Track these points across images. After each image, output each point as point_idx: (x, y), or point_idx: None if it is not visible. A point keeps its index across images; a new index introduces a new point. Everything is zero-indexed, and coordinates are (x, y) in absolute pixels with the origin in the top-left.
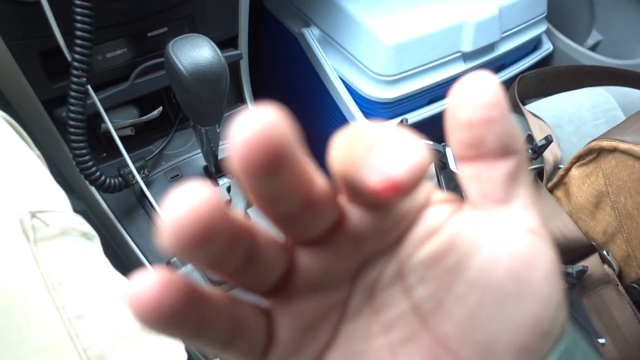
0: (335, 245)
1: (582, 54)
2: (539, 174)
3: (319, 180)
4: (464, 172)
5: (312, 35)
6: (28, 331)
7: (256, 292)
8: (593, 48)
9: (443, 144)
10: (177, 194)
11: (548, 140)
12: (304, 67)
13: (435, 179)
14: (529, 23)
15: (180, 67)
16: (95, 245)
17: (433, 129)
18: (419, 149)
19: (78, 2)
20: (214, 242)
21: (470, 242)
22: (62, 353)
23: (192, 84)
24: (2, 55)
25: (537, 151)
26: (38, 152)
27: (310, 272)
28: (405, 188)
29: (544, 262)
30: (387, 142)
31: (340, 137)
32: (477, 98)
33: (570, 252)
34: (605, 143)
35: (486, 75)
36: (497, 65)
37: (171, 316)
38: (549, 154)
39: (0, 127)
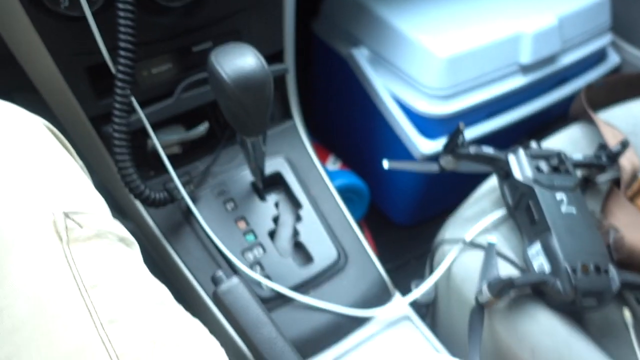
0: None
1: None
2: (616, 182)
3: None
4: None
5: (361, 55)
6: (58, 334)
7: None
8: None
9: (505, 151)
10: None
11: (624, 146)
12: (354, 87)
13: (499, 189)
14: (591, 34)
15: (223, 74)
16: (133, 252)
17: (492, 144)
18: None
19: (122, 14)
20: None
21: None
22: (93, 358)
23: (235, 91)
24: (50, 71)
25: (612, 158)
26: (81, 163)
27: None
28: None
29: None
30: None
31: None
32: None
33: None
34: None
35: None
36: (558, 79)
37: None
38: (626, 162)
39: (43, 135)
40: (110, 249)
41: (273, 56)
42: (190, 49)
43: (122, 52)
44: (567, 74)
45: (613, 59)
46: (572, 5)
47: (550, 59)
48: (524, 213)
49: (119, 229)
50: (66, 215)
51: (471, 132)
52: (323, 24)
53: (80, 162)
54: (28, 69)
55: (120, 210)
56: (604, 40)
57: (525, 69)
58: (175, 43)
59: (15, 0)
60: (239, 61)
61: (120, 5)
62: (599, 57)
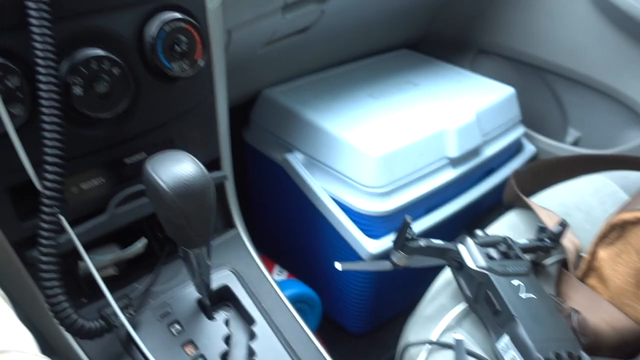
0: None
1: (566, 150)
2: (564, 264)
3: None
4: None
5: (296, 160)
6: None
7: None
8: (575, 144)
9: (454, 242)
10: None
11: (564, 225)
12: (293, 192)
13: (455, 282)
14: (506, 126)
15: (161, 183)
16: None
17: (435, 236)
18: None
19: (48, 127)
20: None
21: None
22: None
23: (175, 200)
24: None
25: (555, 239)
26: (2, 293)
27: None
28: None
29: None
30: None
31: None
32: None
33: (626, 346)
34: (628, 215)
35: None
36: (485, 170)
37: None
38: (568, 242)
39: None
40: None
41: (209, 164)
42: (122, 161)
43: (49, 168)
44: (493, 165)
45: (529, 148)
46: (486, 102)
47: (475, 152)
48: (484, 304)
49: None
50: None
51: (414, 228)
52: (254, 131)
53: (2, 292)
54: None
55: (48, 346)
56: (518, 132)
57: (454, 162)
58: (106, 156)
59: None
60: (177, 168)
61: (46, 119)
62: (516, 147)
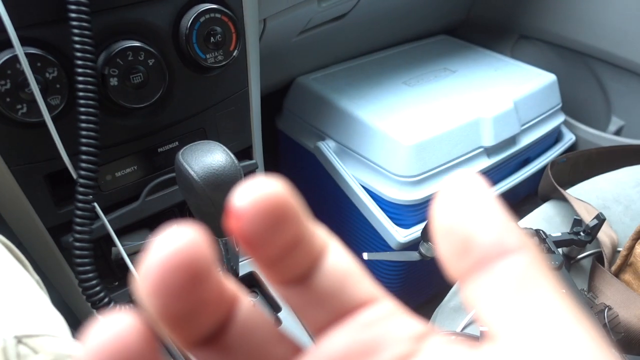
0: None
1: (608, 139)
2: (599, 259)
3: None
4: (468, 295)
5: (328, 148)
6: None
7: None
8: (617, 133)
9: None
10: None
11: (600, 219)
12: (324, 180)
13: None
14: (546, 114)
15: (192, 173)
16: None
17: None
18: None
19: (84, 117)
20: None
21: None
22: None
23: (205, 190)
24: (4, 180)
25: (591, 233)
26: (37, 278)
27: None
28: (244, 216)
29: None
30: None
31: None
32: (456, 198)
33: None
34: None
35: (466, 173)
36: (522, 159)
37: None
38: (604, 236)
39: None
40: None
41: (241, 153)
42: (156, 150)
43: (84, 157)
44: (529, 154)
45: (569, 137)
46: (525, 89)
47: (511, 141)
48: None
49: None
50: (18, 340)
51: None
52: (287, 119)
53: (37, 277)
54: None
55: (81, 330)
56: (558, 120)
57: (489, 151)
58: (139, 144)
59: None
60: (208, 158)
61: (82, 109)
62: (555, 136)
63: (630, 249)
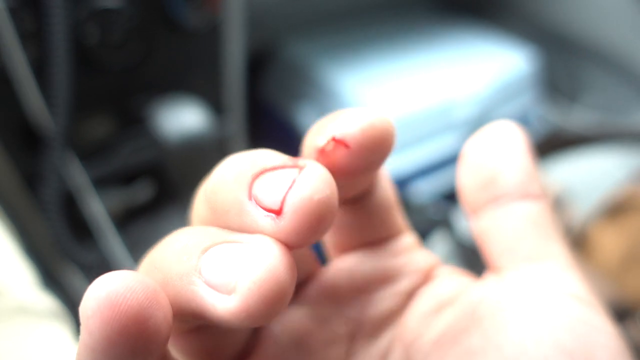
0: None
1: (580, 124)
2: None
3: None
4: (480, 226)
5: (306, 118)
6: None
7: None
8: (590, 118)
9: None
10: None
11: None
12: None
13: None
14: (520, 96)
15: (164, 130)
16: (62, 328)
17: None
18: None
19: (59, 69)
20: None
21: (498, 314)
22: None
23: (177, 148)
24: None
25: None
26: (7, 226)
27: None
28: (352, 143)
29: (604, 339)
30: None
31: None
32: (491, 139)
33: None
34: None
35: (503, 121)
36: None
37: None
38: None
39: None
40: (35, 326)
41: (220, 117)
42: (130, 105)
43: (59, 109)
44: None
45: (541, 120)
46: (500, 68)
47: (484, 120)
48: None
49: (47, 301)
50: None
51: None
52: (267, 88)
53: (7, 226)
54: None
55: (51, 280)
56: (531, 102)
57: (461, 129)
58: (115, 101)
59: None
60: (181, 118)
61: (58, 61)
62: (528, 118)
63: (586, 225)
